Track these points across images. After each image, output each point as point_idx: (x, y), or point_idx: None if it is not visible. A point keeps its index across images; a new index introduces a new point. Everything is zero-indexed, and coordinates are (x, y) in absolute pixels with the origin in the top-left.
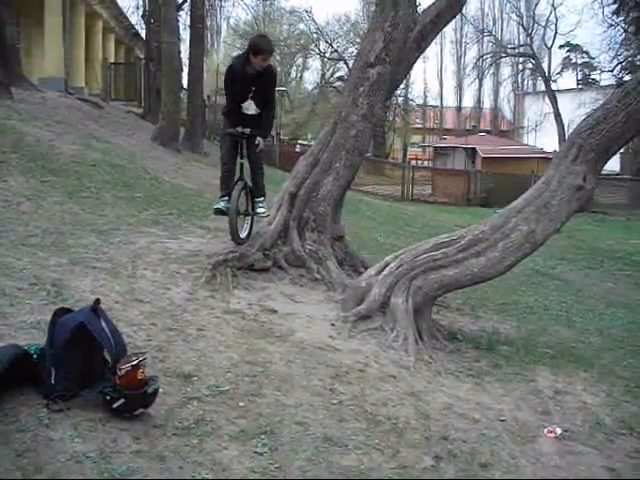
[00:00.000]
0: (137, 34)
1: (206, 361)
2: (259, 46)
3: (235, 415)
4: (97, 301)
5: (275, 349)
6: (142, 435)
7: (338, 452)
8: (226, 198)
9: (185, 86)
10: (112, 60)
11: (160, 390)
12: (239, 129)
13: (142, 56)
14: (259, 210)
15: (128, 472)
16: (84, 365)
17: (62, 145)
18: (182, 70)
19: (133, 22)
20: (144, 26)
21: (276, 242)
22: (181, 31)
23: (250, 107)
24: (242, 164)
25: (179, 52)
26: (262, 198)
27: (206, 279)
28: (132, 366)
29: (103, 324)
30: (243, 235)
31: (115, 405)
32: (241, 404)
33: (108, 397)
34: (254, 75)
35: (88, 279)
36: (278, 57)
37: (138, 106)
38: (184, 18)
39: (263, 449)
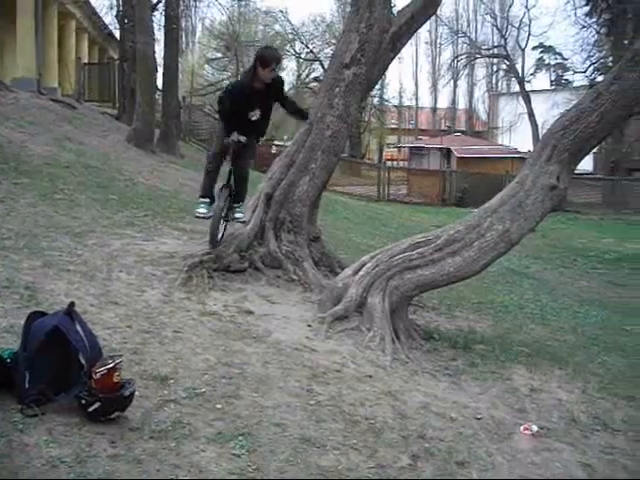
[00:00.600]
0: (111, 34)
1: (182, 363)
2: (265, 58)
3: (212, 417)
4: (72, 304)
5: (252, 350)
6: (118, 439)
7: (316, 452)
8: (207, 200)
9: (160, 87)
10: (86, 60)
11: (136, 393)
12: (235, 136)
13: (116, 56)
14: (237, 215)
15: (104, 476)
16: (59, 369)
17: (35, 146)
18: (157, 71)
19: (107, 22)
20: (118, 26)
21: (252, 243)
22: (155, 31)
23: (256, 114)
24: (231, 170)
25: (154, 52)
26: (241, 203)
27: (182, 281)
28: (108, 369)
29: (78, 327)
30: (219, 238)
31: (91, 409)
32: (218, 406)
33: (83, 401)
34: (263, 88)
35: (62, 282)
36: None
37: (112, 107)
38: (158, 18)
39: (241, 451)
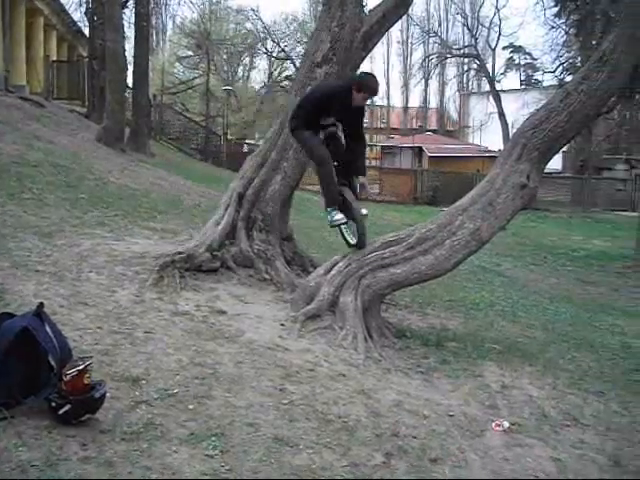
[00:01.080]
0: (80, 31)
1: (154, 364)
2: (366, 85)
3: (185, 418)
4: (41, 305)
5: (224, 350)
6: (89, 441)
7: (289, 452)
8: (335, 207)
9: (130, 85)
10: (54, 58)
11: (107, 395)
12: (327, 131)
13: (85, 54)
14: (363, 212)
15: (76, 479)
16: (28, 371)
17: (2, 145)
18: (127, 69)
19: (76, 19)
20: (87, 23)
21: (224, 243)
22: (126, 29)
23: (328, 121)
24: (337, 167)
25: (123, 50)
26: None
27: (153, 281)
28: (78, 371)
29: (47, 328)
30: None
31: (61, 411)
32: (191, 407)
33: (54, 403)
34: (348, 106)
35: (31, 283)
36: (225, 56)
37: (81, 105)
38: (129, 16)
39: (214, 451)
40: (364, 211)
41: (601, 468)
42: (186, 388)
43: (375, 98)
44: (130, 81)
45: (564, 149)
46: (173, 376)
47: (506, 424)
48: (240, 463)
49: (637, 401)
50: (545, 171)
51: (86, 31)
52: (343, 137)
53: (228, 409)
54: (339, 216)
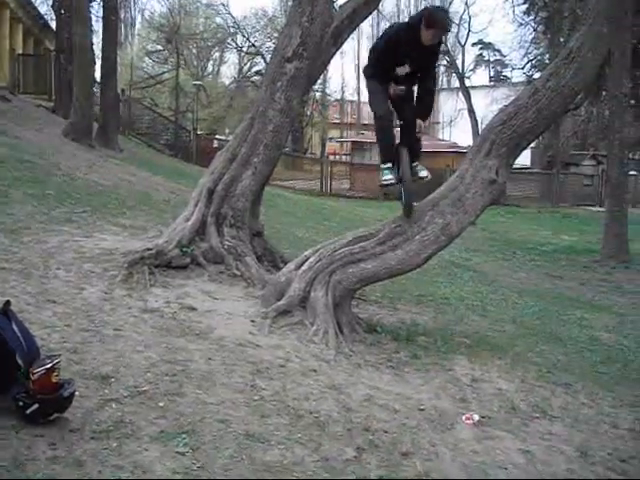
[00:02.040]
0: (47, 25)
1: (124, 361)
2: (433, 18)
3: (155, 415)
4: (7, 303)
5: (195, 347)
6: (58, 440)
7: (261, 448)
8: (389, 165)
9: (98, 80)
10: (20, 52)
11: (76, 393)
12: (392, 88)
13: (52, 48)
14: (422, 174)
15: (44, 479)
16: None
17: None
18: (94, 63)
19: (42, 12)
20: (54, 17)
21: (194, 239)
22: (93, 23)
23: (404, 70)
24: (401, 126)
25: (91, 44)
26: (418, 161)
27: (122, 278)
28: (46, 369)
29: (14, 327)
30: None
31: (29, 411)
32: (161, 404)
33: (21, 403)
34: (420, 45)
35: None
36: (194, 50)
37: (48, 100)
38: (96, 9)
39: (185, 449)
40: (424, 173)
41: (569, 459)
42: (156, 385)
43: (346, 93)
44: (98, 75)
45: (532, 145)
46: (143, 373)
47: (476, 417)
48: (211, 460)
49: (604, 393)
50: (514, 167)
51: (53, 24)
52: (416, 89)
53: (199, 406)
54: (389, 176)
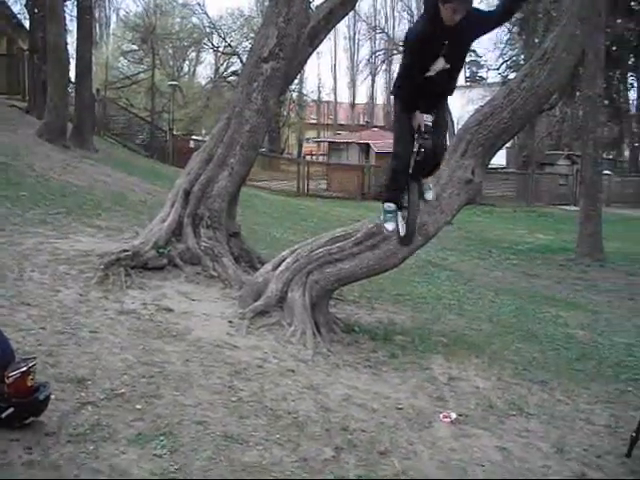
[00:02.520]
0: (20, 24)
1: (100, 364)
2: None
3: (132, 418)
4: None
5: (172, 349)
6: (34, 444)
7: (239, 449)
8: (393, 207)
9: (73, 79)
10: None
11: (52, 396)
12: (420, 119)
13: (26, 47)
14: (429, 196)
15: None
16: None
17: None
18: (69, 63)
19: (16, 11)
20: (28, 16)
21: (170, 240)
22: (68, 22)
23: (438, 65)
24: (419, 161)
25: (66, 44)
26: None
27: (98, 279)
28: (21, 373)
29: None
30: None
31: (4, 415)
32: (138, 406)
33: None
34: (448, 31)
35: None
36: (170, 50)
37: (22, 100)
38: (71, 9)
39: (162, 451)
40: (430, 195)
41: (545, 455)
42: (133, 388)
43: (322, 94)
44: (73, 75)
45: (508, 145)
46: (120, 376)
47: (453, 415)
48: (189, 462)
49: (579, 390)
50: (490, 166)
51: (27, 24)
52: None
53: (176, 408)
54: (390, 226)
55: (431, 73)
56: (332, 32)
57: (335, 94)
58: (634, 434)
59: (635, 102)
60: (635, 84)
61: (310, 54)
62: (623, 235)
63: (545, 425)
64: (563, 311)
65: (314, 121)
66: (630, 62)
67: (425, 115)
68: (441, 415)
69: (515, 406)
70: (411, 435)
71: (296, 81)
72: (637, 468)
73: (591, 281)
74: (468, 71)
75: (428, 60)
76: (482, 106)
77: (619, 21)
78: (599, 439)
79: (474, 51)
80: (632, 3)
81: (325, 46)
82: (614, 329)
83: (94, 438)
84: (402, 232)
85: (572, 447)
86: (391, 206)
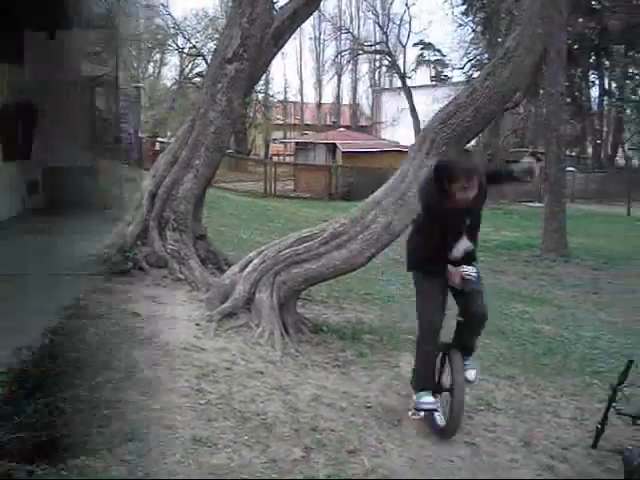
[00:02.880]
0: None
1: None
2: (455, 169)
3: (99, 424)
4: None
5: (139, 353)
6: None
7: (208, 452)
8: (432, 400)
9: None
10: None
11: None
12: (456, 271)
13: None
14: (471, 376)
15: None
16: None
17: None
18: None
19: None
20: None
21: (136, 243)
22: None
23: (462, 246)
24: (462, 323)
25: None
26: (471, 357)
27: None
28: None
29: None
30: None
31: None
32: (105, 412)
33: None
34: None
35: None
36: (134, 52)
37: None
38: None
39: (130, 456)
40: (472, 375)
41: (513, 449)
42: (99, 394)
43: (288, 94)
44: None
45: (472, 143)
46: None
47: (422, 413)
48: (157, 466)
49: (546, 384)
50: None
51: None
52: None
53: (144, 412)
54: (429, 399)
55: (457, 255)
56: (297, 32)
57: (301, 94)
58: (599, 426)
59: (597, 100)
60: (596, 82)
61: (275, 54)
62: (587, 230)
63: (512, 419)
64: (529, 307)
65: (281, 122)
66: (591, 60)
67: (465, 267)
68: (410, 412)
69: (483, 401)
70: (380, 433)
71: (262, 82)
72: (602, 459)
73: (556, 276)
74: (433, 70)
75: (452, 236)
76: (446, 105)
77: (580, 20)
78: (565, 432)
79: (439, 50)
80: (592, 2)
81: (290, 46)
82: (579, 323)
83: (62, 445)
84: (440, 422)
85: (539, 440)
86: (429, 400)
